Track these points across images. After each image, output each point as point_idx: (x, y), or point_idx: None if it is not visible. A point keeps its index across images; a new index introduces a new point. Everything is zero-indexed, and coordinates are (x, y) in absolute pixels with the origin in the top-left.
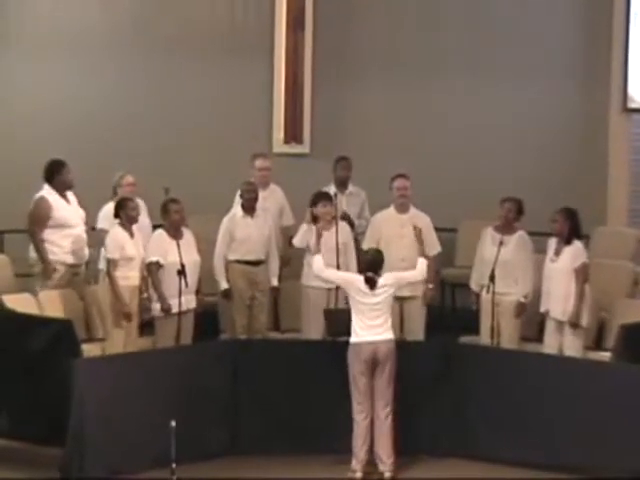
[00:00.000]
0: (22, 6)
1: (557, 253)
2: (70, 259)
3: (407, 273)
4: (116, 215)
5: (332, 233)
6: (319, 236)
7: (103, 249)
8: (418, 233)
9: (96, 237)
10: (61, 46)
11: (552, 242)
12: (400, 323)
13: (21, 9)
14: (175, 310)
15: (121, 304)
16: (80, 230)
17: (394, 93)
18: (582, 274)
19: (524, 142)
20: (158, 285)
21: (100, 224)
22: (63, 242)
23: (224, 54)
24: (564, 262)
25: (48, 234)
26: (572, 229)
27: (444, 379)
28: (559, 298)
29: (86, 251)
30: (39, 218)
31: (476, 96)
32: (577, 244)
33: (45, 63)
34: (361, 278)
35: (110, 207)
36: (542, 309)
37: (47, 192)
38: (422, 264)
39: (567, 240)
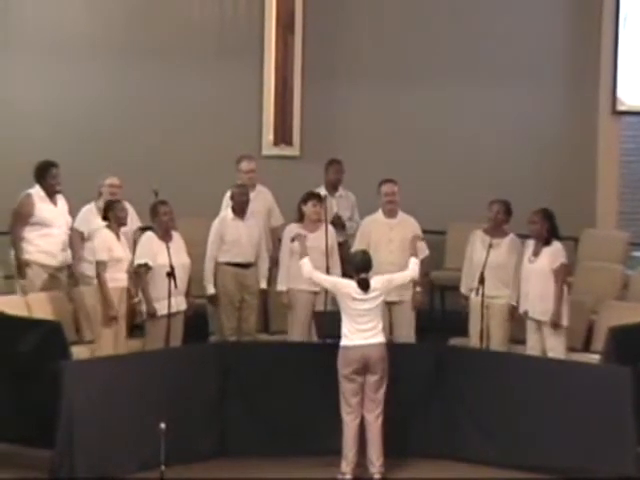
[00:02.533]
0: (9, 10)
1: (535, 254)
2: (43, 259)
3: (397, 275)
4: (104, 217)
5: (320, 235)
6: (304, 240)
7: (83, 251)
8: (414, 240)
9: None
10: (51, 47)
11: (530, 243)
12: (390, 327)
13: (8, 13)
14: (164, 312)
15: (108, 307)
16: (60, 232)
17: (383, 96)
18: (561, 274)
19: (513, 145)
20: (145, 288)
21: (77, 224)
22: (39, 241)
23: (214, 56)
24: (543, 263)
25: (26, 232)
26: (550, 230)
27: (434, 381)
28: (538, 298)
29: (64, 254)
30: (21, 214)
31: (465, 99)
32: (556, 244)
33: (34, 66)
34: (352, 283)
35: (89, 209)
36: (521, 310)
37: (35, 191)
38: (414, 264)
39: (546, 241)
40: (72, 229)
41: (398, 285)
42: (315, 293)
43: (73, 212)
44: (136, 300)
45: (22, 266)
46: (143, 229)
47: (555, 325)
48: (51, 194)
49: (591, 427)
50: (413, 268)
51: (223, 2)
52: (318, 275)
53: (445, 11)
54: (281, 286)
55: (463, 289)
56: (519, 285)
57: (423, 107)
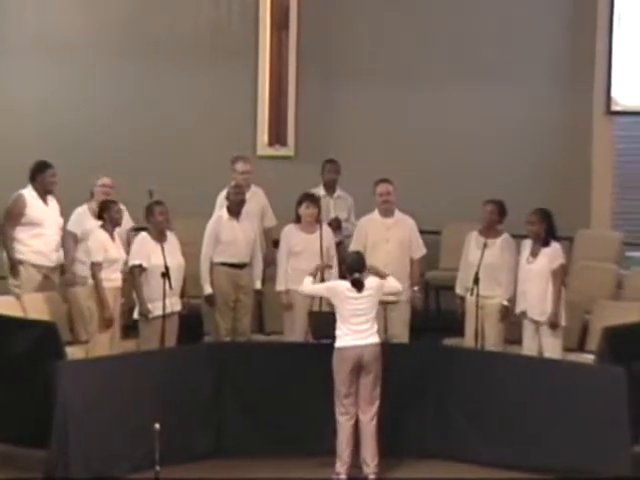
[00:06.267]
0: (6, 10)
1: (534, 254)
2: (35, 259)
3: (388, 282)
4: (99, 217)
5: (316, 237)
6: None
7: (76, 252)
8: (374, 270)
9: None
10: (46, 48)
11: (527, 243)
12: (384, 326)
13: (5, 13)
14: (159, 313)
15: (103, 309)
16: (52, 233)
17: (379, 96)
18: (559, 275)
19: (508, 145)
20: (139, 289)
21: (70, 226)
22: (31, 242)
23: (208, 55)
24: (541, 263)
25: (18, 232)
26: (548, 230)
27: (429, 381)
28: (536, 299)
29: (58, 255)
30: (12, 214)
31: (461, 99)
32: (554, 245)
33: (30, 66)
34: (346, 283)
35: (82, 210)
36: (517, 310)
37: (27, 191)
38: (393, 281)
39: (544, 242)
40: (65, 230)
41: (388, 292)
42: None
43: (66, 213)
44: (122, 301)
45: (15, 265)
46: (137, 229)
47: (553, 325)
48: (43, 194)
49: (586, 427)
50: (396, 283)
51: (218, 2)
52: (312, 287)
53: (441, 12)
54: (280, 286)
55: (458, 289)
56: (513, 285)
57: (419, 107)
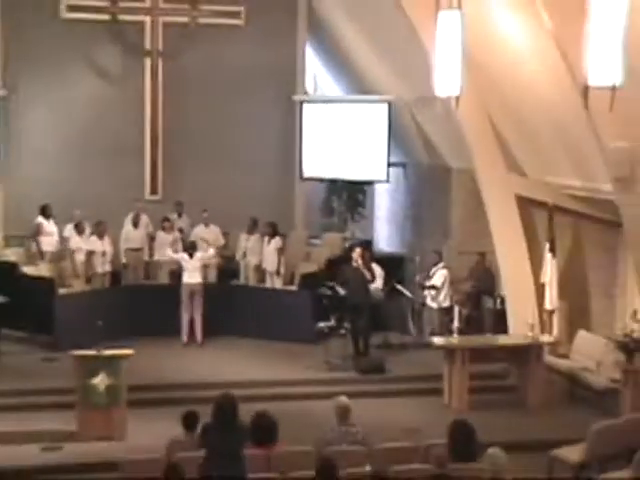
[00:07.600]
0: None
1: (269, 241)
2: None
3: (207, 255)
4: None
5: (169, 235)
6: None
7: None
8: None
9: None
10: None
11: (266, 237)
12: (206, 275)
13: None
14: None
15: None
16: None
17: (206, 177)
18: (280, 250)
19: (256, 198)
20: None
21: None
22: None
23: (116, 153)
24: (272, 245)
25: None
26: (273, 230)
27: (228, 301)
28: (270, 260)
29: None
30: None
31: (229, 179)
32: (277, 238)
33: None
34: (185, 255)
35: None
36: (264, 267)
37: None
38: (210, 254)
39: (272, 235)
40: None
41: (205, 258)
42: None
43: None
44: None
45: None
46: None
47: (278, 273)
48: None
49: (290, 315)
50: (209, 255)
51: (116, 117)
52: (173, 255)
53: (208, 121)
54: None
55: (237, 257)
56: (261, 255)
57: (213, 185)
